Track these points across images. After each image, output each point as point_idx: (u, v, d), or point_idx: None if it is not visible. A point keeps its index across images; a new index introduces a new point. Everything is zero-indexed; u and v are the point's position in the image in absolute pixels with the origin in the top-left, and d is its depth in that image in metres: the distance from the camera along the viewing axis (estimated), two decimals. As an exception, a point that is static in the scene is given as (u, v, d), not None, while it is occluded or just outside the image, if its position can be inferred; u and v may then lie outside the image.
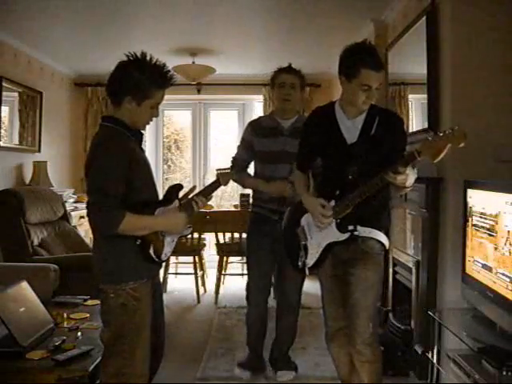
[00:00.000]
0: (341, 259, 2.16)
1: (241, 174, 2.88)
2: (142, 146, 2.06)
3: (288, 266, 2.44)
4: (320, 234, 2.15)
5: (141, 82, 1.84)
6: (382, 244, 2.16)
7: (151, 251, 1.90)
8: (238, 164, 2.91)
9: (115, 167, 1.80)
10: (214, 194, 2.20)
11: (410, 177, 1.92)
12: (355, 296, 2.11)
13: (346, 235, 2.08)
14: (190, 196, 2.10)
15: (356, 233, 2.09)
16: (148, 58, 1.88)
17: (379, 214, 2.18)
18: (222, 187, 2.27)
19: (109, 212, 1.77)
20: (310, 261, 2.19)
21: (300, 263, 2.24)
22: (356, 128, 2.09)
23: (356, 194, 2.01)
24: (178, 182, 2.15)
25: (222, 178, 2.22)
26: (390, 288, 3.33)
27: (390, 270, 3.32)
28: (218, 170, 2.27)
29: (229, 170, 2.30)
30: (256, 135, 2.87)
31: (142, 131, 2.07)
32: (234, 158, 2.96)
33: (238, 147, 2.97)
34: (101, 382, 1.97)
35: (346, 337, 2.23)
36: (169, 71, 1.91)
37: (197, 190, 2.14)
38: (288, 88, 2.77)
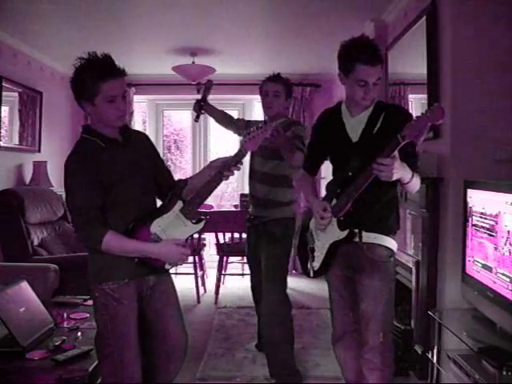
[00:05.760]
0: (351, 263, 2.09)
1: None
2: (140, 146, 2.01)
3: (264, 261, 2.87)
4: (325, 235, 2.10)
5: (84, 81, 1.79)
6: (390, 250, 2.07)
7: (152, 263, 1.89)
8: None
9: (81, 183, 1.78)
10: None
11: (398, 169, 1.80)
12: (363, 306, 2.04)
13: (345, 233, 2.02)
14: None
15: (356, 237, 2.02)
16: (92, 55, 1.81)
17: (386, 217, 2.07)
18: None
19: (90, 229, 1.79)
20: (317, 263, 2.14)
21: (309, 268, 2.19)
22: (360, 125, 2.04)
23: (351, 188, 1.94)
24: (181, 179, 2.05)
25: (245, 145, 1.95)
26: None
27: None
28: (243, 134, 2.02)
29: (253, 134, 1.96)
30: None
31: (130, 129, 2.03)
32: None
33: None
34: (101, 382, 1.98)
35: (353, 341, 2.16)
36: (108, 61, 1.80)
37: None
38: (271, 97, 2.87)
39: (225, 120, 3.26)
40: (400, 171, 1.83)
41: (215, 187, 1.94)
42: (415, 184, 1.96)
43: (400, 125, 1.81)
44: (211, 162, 2.03)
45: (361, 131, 2.04)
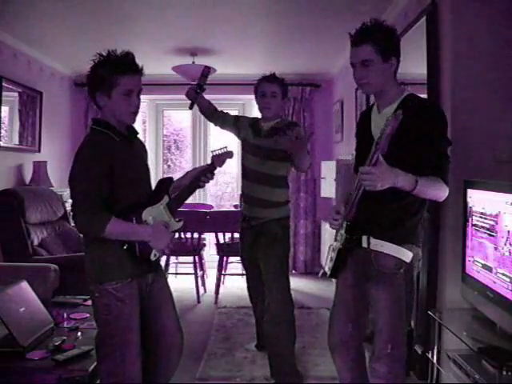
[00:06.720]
0: (362, 270, 1.98)
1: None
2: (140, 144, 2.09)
3: (266, 262, 2.83)
4: (340, 237, 2.04)
5: (103, 74, 1.85)
6: (401, 261, 1.89)
7: (137, 253, 1.90)
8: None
9: (95, 169, 1.81)
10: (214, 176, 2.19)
11: (383, 178, 1.63)
12: (372, 316, 1.99)
13: (346, 236, 1.96)
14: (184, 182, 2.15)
15: (364, 243, 1.95)
16: (112, 52, 1.90)
17: (397, 224, 1.90)
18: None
19: (93, 215, 1.80)
20: (331, 264, 2.07)
21: (325, 266, 2.15)
22: (383, 122, 1.84)
23: (354, 191, 1.85)
24: (167, 176, 2.19)
25: (216, 161, 2.21)
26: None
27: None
28: (212, 151, 2.26)
29: (223, 150, 2.25)
30: (243, 127, 3.08)
31: (136, 130, 2.07)
32: None
33: None
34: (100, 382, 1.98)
35: (348, 354, 2.10)
36: (129, 57, 1.90)
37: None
38: (268, 97, 2.90)
39: (209, 111, 3.17)
40: (388, 180, 1.65)
41: (193, 192, 2.16)
42: (427, 192, 1.77)
43: (423, 124, 1.69)
44: (190, 171, 2.23)
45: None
